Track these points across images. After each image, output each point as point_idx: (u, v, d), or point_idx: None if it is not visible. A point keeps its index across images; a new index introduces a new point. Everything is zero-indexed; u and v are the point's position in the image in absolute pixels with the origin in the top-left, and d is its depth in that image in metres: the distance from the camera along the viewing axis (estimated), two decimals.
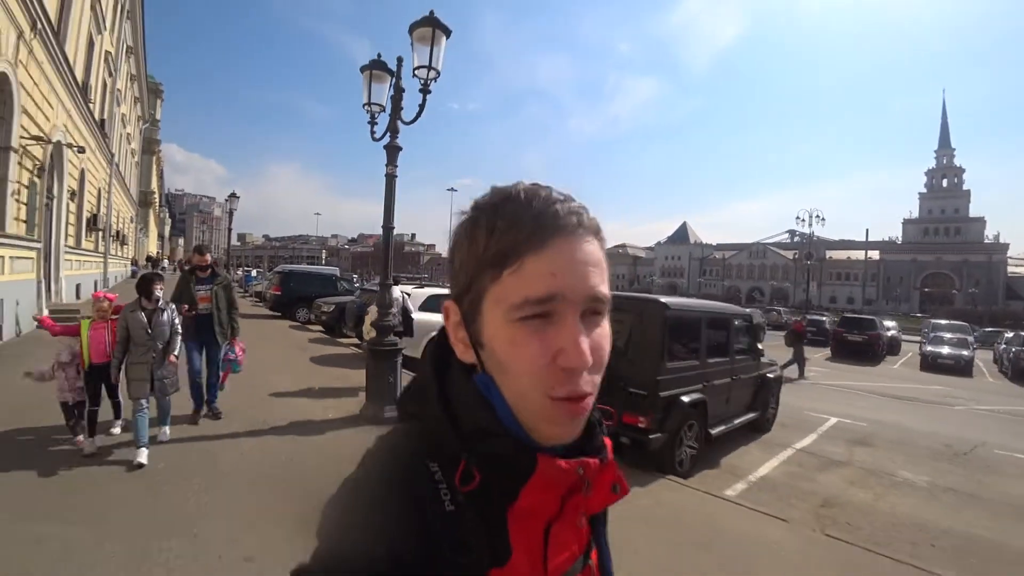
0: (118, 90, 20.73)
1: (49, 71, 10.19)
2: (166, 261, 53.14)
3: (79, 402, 4.22)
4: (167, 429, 4.58)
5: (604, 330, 0.51)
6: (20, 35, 8.28)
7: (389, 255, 5.81)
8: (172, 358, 4.36)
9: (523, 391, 0.49)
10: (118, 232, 23.71)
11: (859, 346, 18.96)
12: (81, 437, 4.17)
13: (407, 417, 0.57)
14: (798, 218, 35.04)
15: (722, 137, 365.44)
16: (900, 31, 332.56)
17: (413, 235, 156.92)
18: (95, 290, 16.40)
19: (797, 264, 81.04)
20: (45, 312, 9.26)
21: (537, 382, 0.48)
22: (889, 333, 22.10)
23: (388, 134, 5.60)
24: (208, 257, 5.58)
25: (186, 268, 5.83)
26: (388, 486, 0.49)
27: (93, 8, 14.02)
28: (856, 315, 23.44)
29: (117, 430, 4.58)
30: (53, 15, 10.18)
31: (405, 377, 5.76)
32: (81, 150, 12.11)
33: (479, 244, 0.50)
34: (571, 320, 0.48)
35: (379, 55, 5.84)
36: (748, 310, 8.21)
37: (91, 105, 14.57)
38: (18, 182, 8.85)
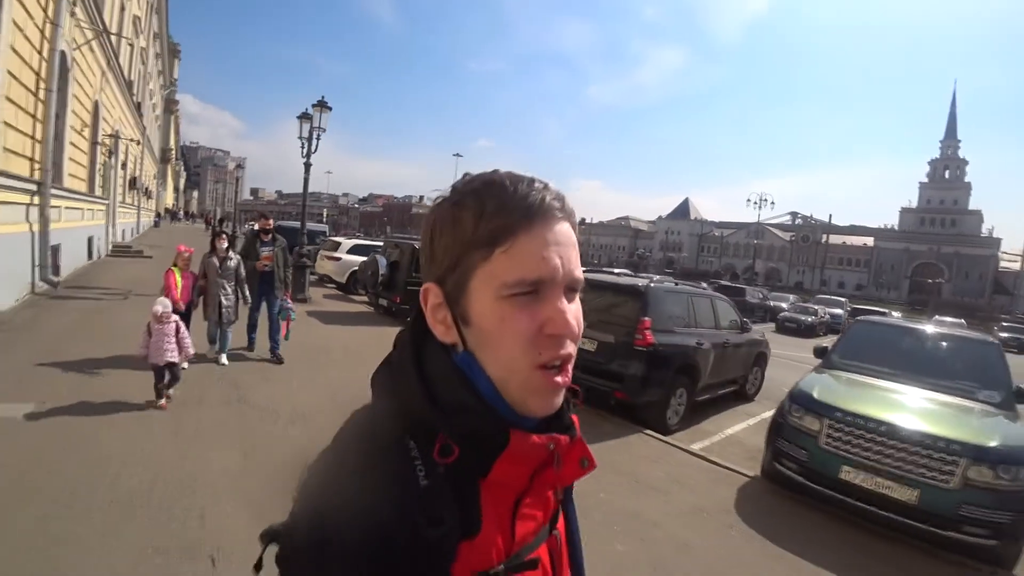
0: (148, 74, 25.41)
1: (114, 87, 15.03)
2: (182, 213, 54.81)
3: (169, 363, 4.11)
4: (224, 357, 5.70)
5: (579, 306, 0.57)
6: (103, 73, 13.15)
7: (304, 220, 11.30)
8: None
9: (511, 362, 0.53)
10: (147, 189, 28.91)
11: None
12: (163, 401, 4.12)
13: (382, 395, 0.59)
14: (749, 200, 37.43)
15: (746, 112, 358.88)
16: (919, 20, 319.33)
17: (421, 197, 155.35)
18: (133, 234, 21.74)
19: (793, 246, 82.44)
20: (109, 247, 14.31)
21: (526, 350, 0.52)
22: (772, 303, 26.75)
23: (307, 156, 10.54)
24: (271, 221, 6.34)
25: (254, 230, 6.60)
26: (367, 461, 0.51)
27: (134, 23, 18.55)
28: (731, 284, 28.67)
29: (185, 364, 4.99)
30: (114, 41, 14.77)
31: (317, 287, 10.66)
32: (138, 143, 17.01)
33: (466, 225, 0.53)
34: (557, 296, 0.53)
35: (307, 108, 10.61)
36: None
37: (134, 97, 19.41)
38: (100, 163, 13.89)
